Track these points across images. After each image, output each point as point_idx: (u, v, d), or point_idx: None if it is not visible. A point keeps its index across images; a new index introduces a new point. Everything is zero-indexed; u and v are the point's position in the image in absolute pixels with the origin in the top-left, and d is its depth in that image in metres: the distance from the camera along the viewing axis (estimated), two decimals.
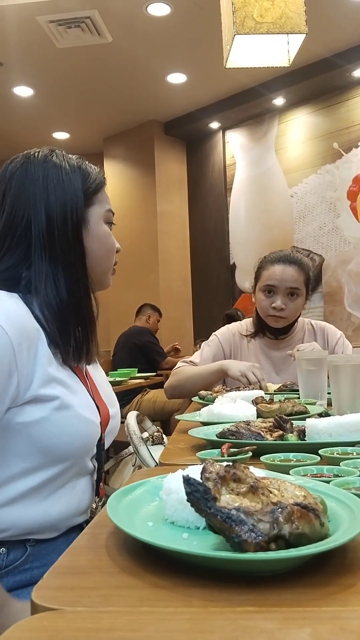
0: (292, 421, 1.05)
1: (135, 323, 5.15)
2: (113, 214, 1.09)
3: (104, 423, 1.02)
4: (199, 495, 0.50)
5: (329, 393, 1.42)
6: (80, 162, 1.03)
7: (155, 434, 1.28)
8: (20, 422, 0.88)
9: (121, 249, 1.13)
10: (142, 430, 1.13)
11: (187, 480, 0.51)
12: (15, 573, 0.91)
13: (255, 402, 1.32)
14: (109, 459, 1.26)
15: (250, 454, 0.87)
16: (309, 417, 1.13)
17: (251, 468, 0.59)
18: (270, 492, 0.53)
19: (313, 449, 0.87)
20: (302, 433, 0.99)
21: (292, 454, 0.85)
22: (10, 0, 3.92)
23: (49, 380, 0.90)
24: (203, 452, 0.94)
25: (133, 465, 1.12)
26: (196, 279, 6.43)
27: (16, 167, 0.99)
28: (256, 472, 0.63)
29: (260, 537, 0.48)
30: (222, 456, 0.88)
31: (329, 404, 1.40)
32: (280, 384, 1.75)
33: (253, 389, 1.63)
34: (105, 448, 1.07)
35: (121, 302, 5.96)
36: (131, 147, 6.30)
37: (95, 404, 1.01)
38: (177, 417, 1.37)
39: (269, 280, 1.96)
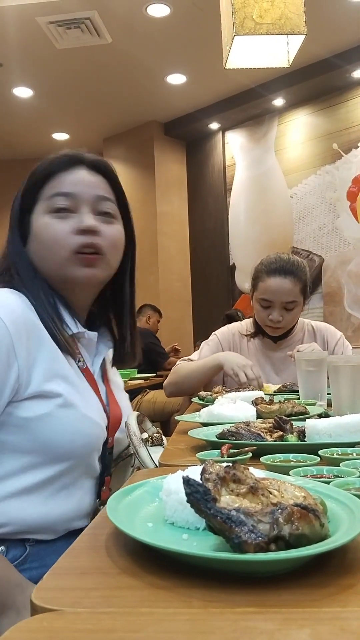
0: (292, 422, 1.05)
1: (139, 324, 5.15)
2: (67, 195, 0.97)
3: (114, 426, 1.02)
4: (198, 496, 0.50)
5: (328, 394, 1.42)
6: (36, 166, 1.03)
7: (155, 435, 1.28)
8: (23, 417, 0.88)
9: (94, 227, 0.96)
10: (142, 430, 1.13)
11: (187, 481, 0.51)
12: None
13: (255, 402, 1.32)
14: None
15: (250, 454, 0.87)
16: (308, 417, 1.13)
17: (251, 469, 0.59)
18: (270, 493, 0.53)
19: (313, 449, 0.87)
20: (302, 434, 0.99)
21: (292, 455, 0.85)
22: (10, 1, 3.93)
23: (53, 376, 0.90)
24: (203, 452, 0.94)
25: (132, 467, 1.12)
26: (196, 279, 6.43)
27: None
28: (256, 472, 0.63)
29: (260, 538, 0.48)
30: (222, 457, 0.88)
31: (329, 404, 1.40)
32: (279, 385, 1.76)
33: (252, 389, 1.63)
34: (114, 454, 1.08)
35: None
36: (131, 148, 6.31)
37: (106, 407, 1.02)
38: (177, 417, 1.37)
39: (264, 295, 1.94)
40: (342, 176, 5.19)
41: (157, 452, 1.29)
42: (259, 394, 1.47)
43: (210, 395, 1.58)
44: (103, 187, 1.03)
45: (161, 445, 1.33)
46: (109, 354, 1.13)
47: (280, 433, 1.01)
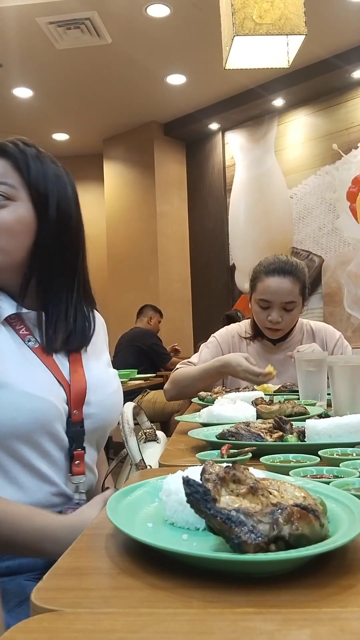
0: (291, 422, 1.05)
1: (137, 324, 5.15)
2: None
3: (76, 400, 1.02)
4: (198, 497, 0.50)
5: (328, 394, 1.42)
6: None
7: (148, 430, 1.28)
8: None
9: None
10: (136, 423, 1.13)
11: (187, 482, 0.51)
12: (4, 559, 0.92)
13: (255, 403, 1.32)
14: (109, 460, 1.27)
15: (250, 455, 0.87)
16: (308, 418, 1.13)
17: (251, 469, 0.59)
18: (270, 493, 0.53)
19: (313, 450, 0.87)
20: (301, 434, 0.99)
21: (291, 455, 0.86)
22: (9, 2, 3.93)
23: None
24: (203, 453, 0.94)
25: (131, 464, 1.13)
26: (196, 280, 6.43)
27: None
28: (256, 473, 0.63)
29: (260, 538, 0.48)
30: (221, 457, 0.88)
31: (329, 405, 1.40)
32: (279, 385, 1.76)
33: (254, 389, 1.64)
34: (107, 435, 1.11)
35: (120, 304, 5.97)
36: (131, 148, 6.31)
37: (67, 382, 1.01)
38: (177, 418, 1.37)
39: (263, 295, 1.94)
40: (342, 177, 5.19)
41: (150, 448, 1.29)
42: (259, 394, 1.48)
43: (210, 395, 1.58)
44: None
45: (155, 440, 1.33)
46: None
47: (280, 433, 1.01)
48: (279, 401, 1.32)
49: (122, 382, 4.33)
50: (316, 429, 0.96)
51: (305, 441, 0.98)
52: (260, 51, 2.36)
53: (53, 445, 0.99)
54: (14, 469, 0.95)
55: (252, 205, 5.91)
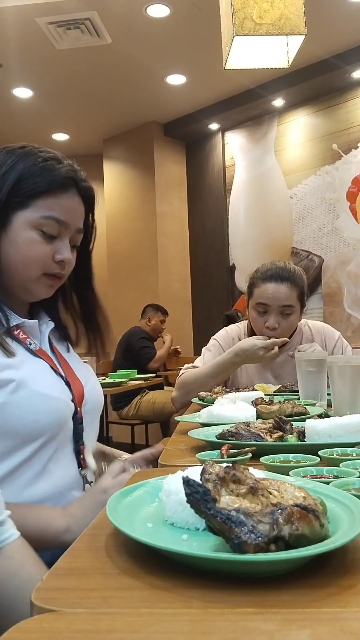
0: (291, 422, 1.05)
1: (137, 324, 5.13)
2: (59, 222, 1.02)
3: (78, 398, 1.06)
4: (198, 497, 0.50)
5: (328, 394, 1.42)
6: (41, 163, 1.03)
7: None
8: None
9: (69, 261, 1.06)
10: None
11: (187, 482, 0.51)
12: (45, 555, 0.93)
13: (255, 403, 1.32)
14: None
15: (250, 455, 0.87)
16: (308, 418, 1.13)
17: (251, 469, 0.59)
18: (270, 493, 0.53)
19: (313, 450, 0.87)
20: (301, 434, 0.99)
21: (291, 455, 0.86)
22: (9, 2, 3.93)
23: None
24: (203, 453, 0.94)
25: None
26: (196, 280, 6.43)
27: None
28: (256, 473, 0.63)
29: (260, 539, 0.48)
30: (221, 457, 0.88)
31: (329, 405, 1.40)
32: (279, 386, 1.76)
33: (254, 389, 1.64)
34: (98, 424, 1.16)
35: (121, 304, 5.96)
36: (131, 149, 6.31)
37: (66, 381, 1.05)
38: (177, 418, 1.37)
39: (260, 299, 1.92)
40: (342, 177, 5.19)
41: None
42: (258, 394, 1.48)
43: (210, 395, 1.58)
44: (82, 219, 1.09)
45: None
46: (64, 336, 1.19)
47: (280, 433, 1.01)
48: (279, 401, 1.32)
49: (122, 382, 4.31)
50: (316, 429, 0.96)
51: (305, 441, 0.98)
52: (260, 51, 2.36)
53: (66, 443, 1.02)
54: (28, 472, 0.96)
55: (252, 205, 5.91)
